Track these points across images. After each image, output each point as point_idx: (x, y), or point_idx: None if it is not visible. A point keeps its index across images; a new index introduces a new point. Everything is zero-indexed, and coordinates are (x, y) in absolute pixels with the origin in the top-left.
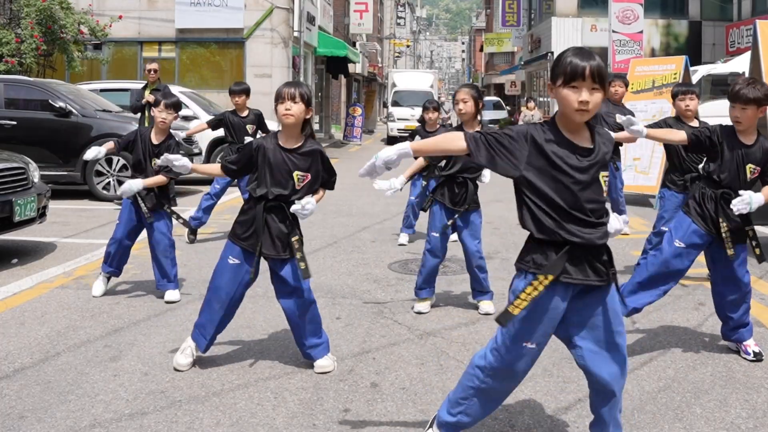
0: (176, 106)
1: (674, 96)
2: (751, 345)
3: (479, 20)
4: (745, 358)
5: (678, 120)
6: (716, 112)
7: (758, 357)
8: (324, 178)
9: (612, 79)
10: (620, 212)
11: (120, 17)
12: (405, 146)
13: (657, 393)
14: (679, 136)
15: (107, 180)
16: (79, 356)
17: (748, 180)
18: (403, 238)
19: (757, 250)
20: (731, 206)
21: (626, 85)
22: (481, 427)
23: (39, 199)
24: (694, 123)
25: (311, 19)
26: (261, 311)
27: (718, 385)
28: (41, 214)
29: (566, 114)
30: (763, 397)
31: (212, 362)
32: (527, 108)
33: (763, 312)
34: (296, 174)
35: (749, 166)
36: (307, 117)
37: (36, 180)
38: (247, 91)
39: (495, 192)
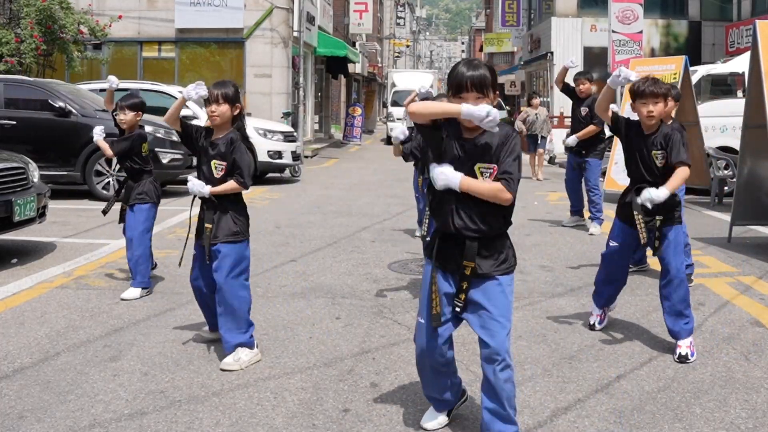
0: (133, 106)
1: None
2: (682, 346)
3: (479, 20)
4: (673, 358)
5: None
6: (716, 112)
7: (682, 360)
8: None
9: (577, 77)
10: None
11: (120, 17)
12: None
13: (657, 393)
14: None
15: (107, 180)
16: (78, 356)
17: (659, 166)
18: (420, 231)
19: (657, 242)
20: (639, 200)
21: (590, 80)
22: None
23: (39, 199)
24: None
25: (311, 19)
26: (261, 311)
27: (717, 386)
28: (41, 213)
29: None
30: (763, 397)
31: (212, 362)
32: (531, 106)
33: (763, 312)
34: (214, 163)
35: (654, 153)
36: (235, 114)
37: (36, 180)
38: None
39: None
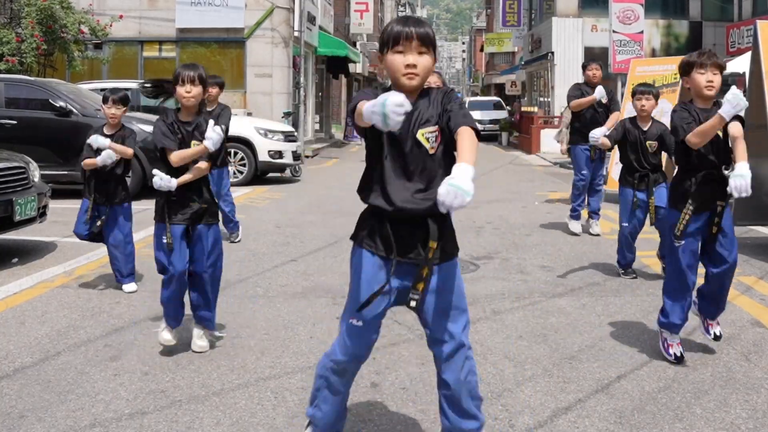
0: (124, 100)
1: (632, 95)
2: (715, 324)
3: (480, 20)
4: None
5: (633, 121)
6: None
7: (717, 338)
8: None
9: (588, 63)
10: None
11: (120, 17)
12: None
13: (657, 393)
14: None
15: None
16: (79, 356)
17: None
18: None
19: (714, 229)
20: (732, 191)
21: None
22: None
23: (39, 198)
24: (649, 123)
25: (312, 19)
26: (261, 311)
27: (718, 386)
28: (42, 213)
29: (395, 80)
30: (763, 398)
31: (212, 362)
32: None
33: (764, 312)
34: (193, 143)
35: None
36: (204, 97)
37: (36, 179)
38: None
39: (495, 192)
